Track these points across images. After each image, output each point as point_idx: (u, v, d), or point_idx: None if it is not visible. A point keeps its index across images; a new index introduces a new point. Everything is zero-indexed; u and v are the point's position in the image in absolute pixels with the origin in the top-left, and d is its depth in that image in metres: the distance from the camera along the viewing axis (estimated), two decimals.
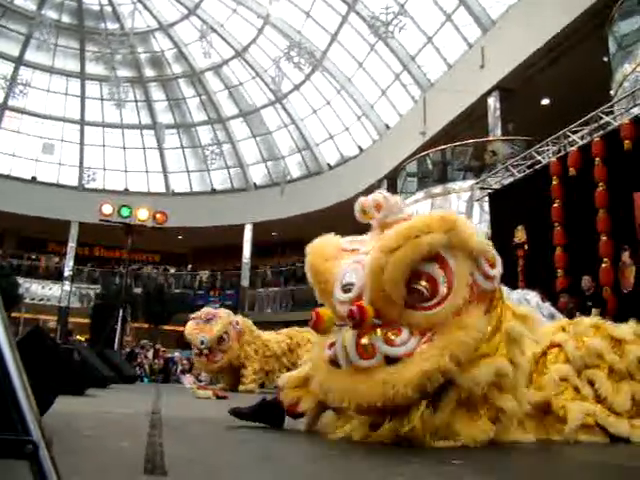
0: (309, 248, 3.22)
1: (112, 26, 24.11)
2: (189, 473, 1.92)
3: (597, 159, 8.56)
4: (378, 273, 2.69)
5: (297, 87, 23.28)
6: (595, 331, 3.44)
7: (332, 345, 2.86)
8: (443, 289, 2.72)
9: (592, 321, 3.64)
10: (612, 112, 9.06)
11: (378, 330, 2.71)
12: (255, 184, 26.42)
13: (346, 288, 2.88)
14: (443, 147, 15.81)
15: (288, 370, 9.78)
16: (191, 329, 9.77)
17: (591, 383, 3.24)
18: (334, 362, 2.85)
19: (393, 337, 2.69)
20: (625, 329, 3.49)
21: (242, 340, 9.87)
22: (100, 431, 2.99)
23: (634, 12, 10.58)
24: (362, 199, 3.17)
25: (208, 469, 2.02)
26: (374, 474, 2.10)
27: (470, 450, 2.59)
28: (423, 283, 2.72)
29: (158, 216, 14.47)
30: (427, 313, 2.70)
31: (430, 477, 2.07)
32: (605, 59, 11.70)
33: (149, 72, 26.03)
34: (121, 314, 13.78)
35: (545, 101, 15.25)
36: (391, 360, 2.67)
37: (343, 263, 3.02)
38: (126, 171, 27.36)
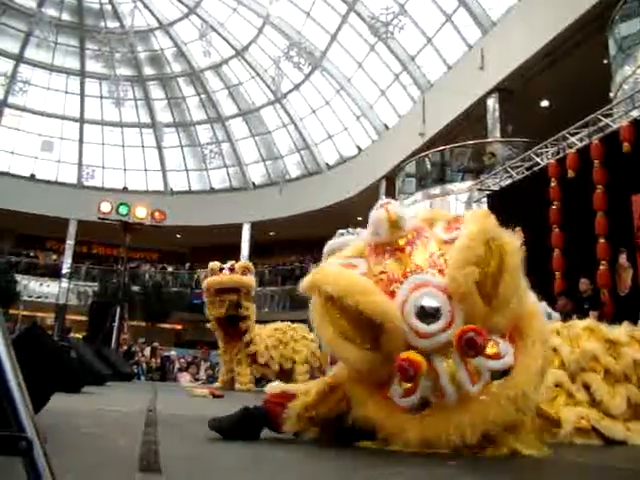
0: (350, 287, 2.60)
1: (112, 24, 24.09)
2: (184, 472, 1.92)
3: (596, 161, 8.57)
4: (472, 291, 2.49)
5: (296, 87, 23.28)
6: (590, 334, 3.44)
7: (410, 393, 2.51)
8: None
9: (586, 324, 3.63)
10: (611, 114, 9.07)
11: None
12: (254, 183, 26.42)
13: (428, 314, 2.53)
14: (442, 148, 15.84)
15: (281, 368, 9.94)
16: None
17: (586, 386, 3.24)
18: (412, 408, 2.52)
19: (494, 350, 2.50)
20: (620, 331, 3.50)
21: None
22: (96, 429, 2.99)
23: (634, 14, 10.59)
24: (385, 211, 2.81)
25: (203, 468, 2.02)
26: (371, 474, 2.10)
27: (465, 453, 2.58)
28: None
29: (156, 214, 14.48)
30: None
31: (426, 479, 2.07)
32: (605, 61, 11.71)
33: (149, 71, 26.01)
34: (119, 312, 13.77)
35: (544, 103, 15.27)
36: (496, 374, 2.50)
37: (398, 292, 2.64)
38: (125, 169, 27.36)
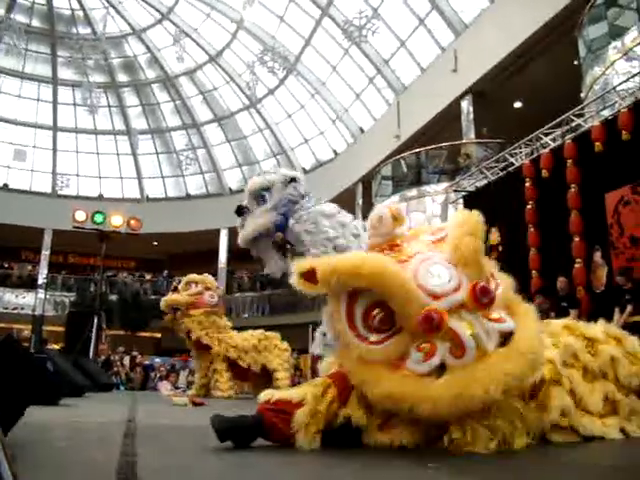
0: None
1: (84, 31, 23.86)
2: None
3: (569, 161, 8.67)
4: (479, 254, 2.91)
5: (271, 91, 23.27)
6: (568, 332, 3.46)
7: (430, 355, 2.64)
8: None
9: (564, 322, 3.65)
10: (583, 115, 9.18)
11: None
12: (230, 189, 26.31)
13: (437, 283, 2.81)
14: (417, 150, 15.89)
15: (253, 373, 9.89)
16: None
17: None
18: (432, 372, 2.64)
19: (495, 315, 2.79)
20: (596, 328, 3.52)
21: (215, 318, 10.06)
22: (72, 442, 2.94)
23: (602, 17, 10.75)
24: (387, 208, 3.25)
25: (182, 479, 1.99)
26: (350, 479, 2.09)
27: (447, 454, 2.58)
28: None
29: (132, 222, 14.34)
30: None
31: None
32: (575, 63, 11.88)
33: (122, 77, 25.80)
34: (96, 322, 13.60)
35: (517, 104, 15.43)
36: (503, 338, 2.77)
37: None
38: (100, 177, 27.08)
